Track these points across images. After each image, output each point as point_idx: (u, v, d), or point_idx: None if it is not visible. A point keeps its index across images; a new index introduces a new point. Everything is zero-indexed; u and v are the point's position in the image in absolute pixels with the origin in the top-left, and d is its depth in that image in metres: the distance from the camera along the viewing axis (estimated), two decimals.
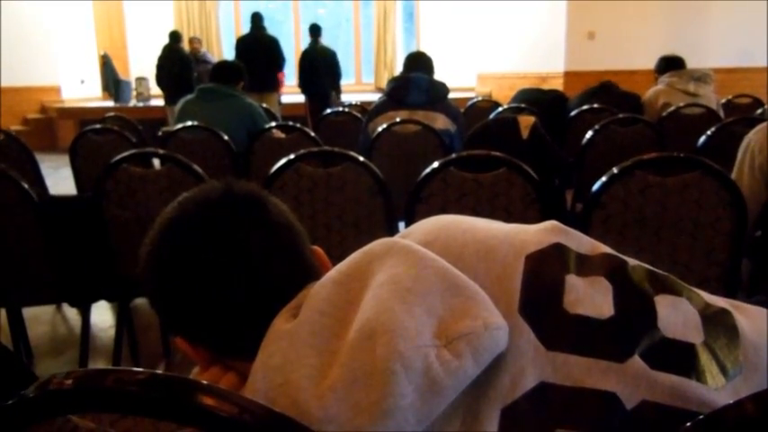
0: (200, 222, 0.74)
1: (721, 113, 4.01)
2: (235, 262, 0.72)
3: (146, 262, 0.77)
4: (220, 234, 0.73)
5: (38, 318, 3.22)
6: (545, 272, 0.67)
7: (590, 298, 0.64)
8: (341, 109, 4.74)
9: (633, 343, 0.62)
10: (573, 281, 0.66)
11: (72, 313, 3.36)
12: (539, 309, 0.63)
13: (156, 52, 8.22)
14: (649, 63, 4.81)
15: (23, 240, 2.27)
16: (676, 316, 0.64)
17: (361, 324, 0.59)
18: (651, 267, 0.70)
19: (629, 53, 8.65)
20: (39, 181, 3.63)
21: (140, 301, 2.90)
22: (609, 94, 4.30)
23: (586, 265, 0.68)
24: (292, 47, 11.33)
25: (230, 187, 0.77)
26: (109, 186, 2.22)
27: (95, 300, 2.55)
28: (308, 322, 0.63)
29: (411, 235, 0.74)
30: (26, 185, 2.24)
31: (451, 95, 3.55)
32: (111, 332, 3.07)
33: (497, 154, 1.89)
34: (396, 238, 0.71)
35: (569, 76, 8.93)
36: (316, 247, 0.82)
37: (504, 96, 8.38)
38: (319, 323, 0.62)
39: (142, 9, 11.84)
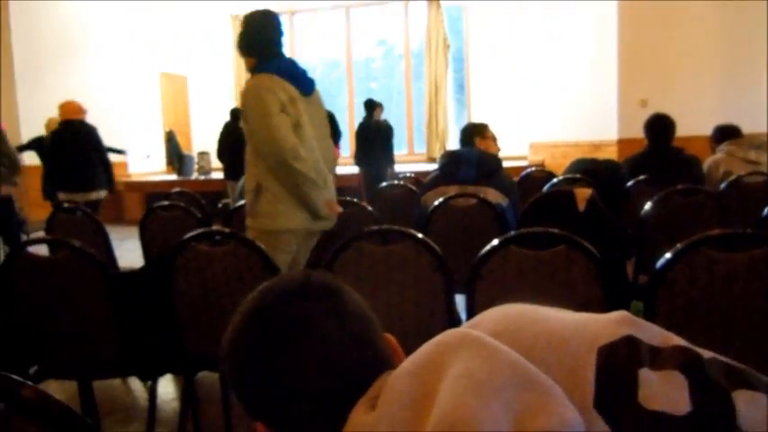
0: (277, 313, 0.77)
1: None
2: (309, 352, 0.74)
3: (226, 349, 0.80)
4: (296, 325, 0.75)
5: (104, 388, 3.29)
6: (618, 365, 0.66)
7: (665, 393, 0.63)
8: (396, 182, 4.82)
9: None
10: (647, 375, 0.65)
11: (137, 383, 3.43)
12: (614, 404, 0.63)
13: (218, 128, 8.57)
14: (703, 129, 4.76)
15: (95, 313, 2.35)
16: (756, 412, 0.63)
17: (439, 418, 0.60)
18: (727, 360, 0.69)
19: (683, 120, 8.54)
20: (109, 254, 3.79)
21: (204, 374, 2.94)
22: (664, 156, 4.17)
23: (659, 357, 0.68)
24: (346, 120, 11.68)
25: (308, 279, 0.80)
26: (178, 263, 2.30)
27: (163, 373, 2.61)
28: (387, 415, 0.64)
29: (480, 325, 0.75)
30: (100, 260, 2.35)
31: (504, 164, 3.57)
32: (175, 404, 3.12)
33: (556, 231, 1.89)
34: (467, 329, 0.72)
35: (623, 143, 8.86)
36: (388, 335, 0.84)
37: (558, 165, 8.38)
38: (398, 416, 0.63)
39: (205, 86, 12.46)
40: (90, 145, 5.99)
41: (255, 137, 2.81)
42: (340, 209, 3.03)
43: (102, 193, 6.17)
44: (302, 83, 2.89)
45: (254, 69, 2.88)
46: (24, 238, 6.38)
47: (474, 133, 3.67)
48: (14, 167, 5.60)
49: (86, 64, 10.01)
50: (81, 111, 6.12)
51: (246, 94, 2.81)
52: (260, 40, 2.89)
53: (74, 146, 5.92)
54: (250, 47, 2.90)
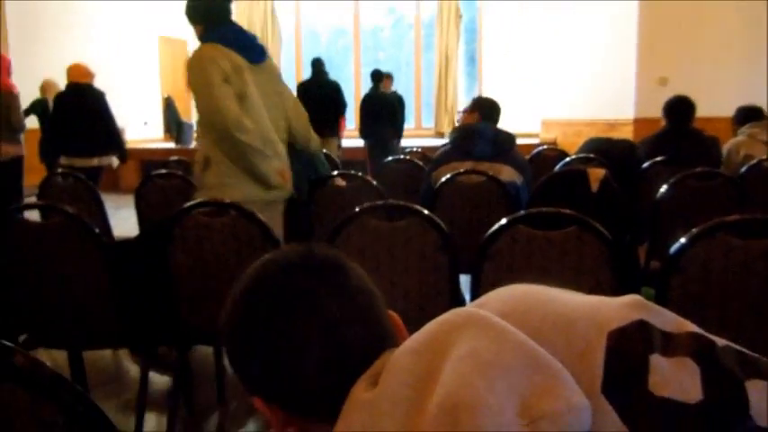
0: (279, 286, 0.77)
1: None
2: (312, 327, 0.74)
3: (225, 321, 0.81)
4: (298, 299, 0.75)
5: (96, 359, 3.32)
6: (628, 350, 0.66)
7: (677, 380, 0.64)
8: (402, 156, 4.81)
9: (724, 431, 0.61)
10: (658, 361, 0.65)
11: (129, 355, 3.45)
12: (623, 389, 0.63)
13: None
14: (725, 110, 4.72)
15: (88, 282, 2.36)
16: None
17: (442, 398, 0.61)
18: (741, 348, 0.69)
19: (704, 100, 8.47)
20: (103, 222, 3.80)
21: (198, 348, 2.96)
22: (682, 137, 4.13)
23: (672, 344, 0.67)
24: (352, 91, 11.61)
25: (311, 252, 0.81)
26: (176, 233, 2.31)
27: (156, 345, 2.63)
28: (389, 393, 0.64)
29: (487, 305, 0.75)
30: (96, 229, 2.35)
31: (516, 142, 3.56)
32: (168, 377, 3.14)
33: (567, 212, 1.89)
34: (473, 309, 0.72)
35: (639, 123, 8.81)
36: (392, 313, 0.84)
37: (570, 143, 8.33)
38: (400, 394, 0.64)
39: None
40: (95, 110, 5.98)
41: (199, 108, 2.89)
42: (290, 175, 3.08)
43: (105, 161, 6.17)
44: (250, 51, 2.94)
45: (201, 38, 2.94)
46: None
47: (497, 111, 3.67)
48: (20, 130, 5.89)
49: (81, 27, 9.94)
50: (89, 74, 6.14)
51: (190, 65, 2.88)
52: (206, 8, 2.95)
53: (78, 109, 5.90)
54: (196, 15, 2.97)
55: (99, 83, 6.34)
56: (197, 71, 2.82)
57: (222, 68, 2.79)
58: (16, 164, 6.05)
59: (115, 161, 6.31)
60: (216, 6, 2.96)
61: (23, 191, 6.21)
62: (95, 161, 6.02)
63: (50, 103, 6.58)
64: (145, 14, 11.23)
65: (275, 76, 3.13)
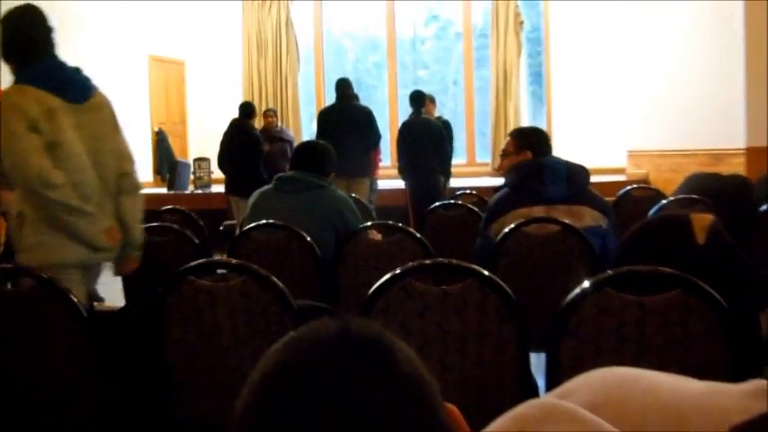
0: (306, 373, 0.76)
1: None
2: (351, 427, 0.73)
3: (240, 418, 0.82)
4: (331, 390, 0.74)
5: None
6: None
7: None
8: (452, 201, 4.83)
9: None
10: None
11: None
12: None
13: (222, 128, 8.66)
14: None
15: (62, 360, 2.38)
16: None
17: None
18: None
19: None
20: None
21: None
22: None
23: None
24: (386, 119, 11.72)
25: (346, 328, 0.80)
26: (171, 302, 2.33)
27: None
28: None
29: (573, 395, 0.75)
30: (74, 297, 2.40)
31: (595, 179, 3.56)
32: None
33: (668, 270, 1.88)
34: (554, 399, 0.73)
35: (752, 153, 8.68)
36: (450, 405, 0.84)
37: (665, 181, 8.27)
38: None
39: (206, 74, 12.48)
40: None
41: (3, 162, 3.05)
42: (119, 236, 3.20)
43: None
44: (68, 89, 3.09)
45: (15, 77, 3.11)
46: None
47: (548, 141, 3.69)
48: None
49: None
50: None
51: None
52: (16, 43, 3.11)
53: None
54: (6, 52, 3.14)
55: None
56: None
57: (28, 115, 2.95)
58: None
59: None
60: (26, 40, 3.10)
61: None
62: None
63: None
64: (132, 29, 11.51)
65: (105, 115, 3.26)
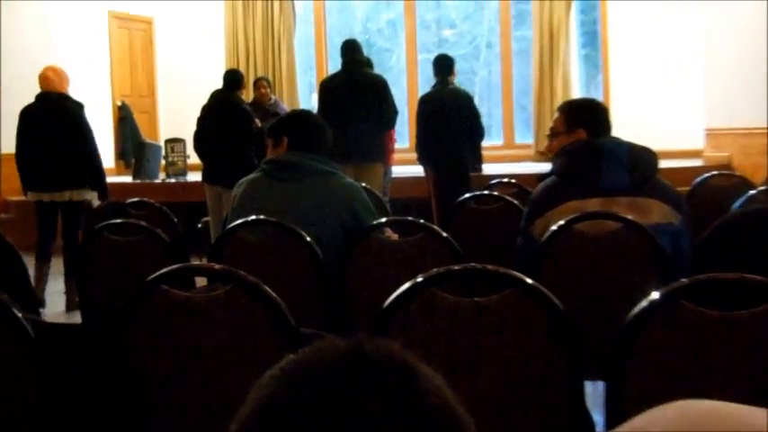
0: (313, 408, 0.77)
1: None
2: None
3: None
4: (342, 420, 0.75)
5: None
6: None
7: None
8: (485, 192, 4.81)
9: None
10: None
11: None
12: None
13: (199, 102, 8.64)
14: None
15: (7, 382, 2.39)
16: None
17: None
18: None
19: None
20: (28, 299, 3.87)
21: None
22: None
23: None
24: (404, 90, 11.73)
25: (360, 349, 0.81)
26: (139, 318, 2.33)
27: None
28: None
29: (646, 430, 0.78)
30: (18, 312, 2.39)
31: (665, 164, 3.54)
32: None
33: (758, 278, 1.85)
34: None
35: None
36: None
37: (752, 166, 8.23)
38: None
39: (181, 35, 12.46)
40: (66, 128, 6.41)
41: None
42: None
43: (80, 195, 6.82)
44: None
45: None
46: None
47: (607, 118, 3.66)
48: None
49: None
50: (53, 79, 6.56)
51: None
52: None
53: (45, 128, 6.68)
54: None
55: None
56: None
57: None
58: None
59: (95, 200, 6.65)
60: None
61: None
62: (67, 195, 6.44)
63: None
64: None
65: None
